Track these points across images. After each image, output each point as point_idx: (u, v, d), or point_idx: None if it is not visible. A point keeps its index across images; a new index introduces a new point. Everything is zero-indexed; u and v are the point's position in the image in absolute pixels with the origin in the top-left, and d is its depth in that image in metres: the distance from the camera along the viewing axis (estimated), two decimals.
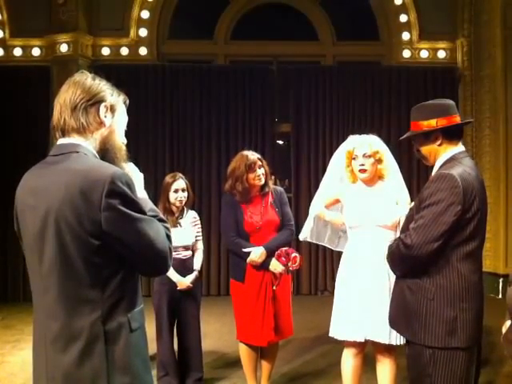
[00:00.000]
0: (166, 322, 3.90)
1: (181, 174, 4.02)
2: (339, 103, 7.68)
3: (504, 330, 2.18)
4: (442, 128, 2.36)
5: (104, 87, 1.72)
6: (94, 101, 1.68)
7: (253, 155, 3.64)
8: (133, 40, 7.69)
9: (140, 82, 7.41)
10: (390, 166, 3.33)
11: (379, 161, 3.25)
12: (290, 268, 3.55)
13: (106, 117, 1.71)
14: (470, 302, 2.29)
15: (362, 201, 3.24)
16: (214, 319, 5.84)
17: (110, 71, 7.41)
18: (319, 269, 7.61)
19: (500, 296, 6.76)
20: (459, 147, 2.41)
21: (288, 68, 7.71)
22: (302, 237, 3.68)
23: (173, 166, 7.31)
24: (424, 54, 7.92)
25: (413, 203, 2.57)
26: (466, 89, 7.74)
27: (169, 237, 1.68)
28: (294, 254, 3.53)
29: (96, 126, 1.69)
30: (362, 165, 3.21)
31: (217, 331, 5.47)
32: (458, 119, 2.43)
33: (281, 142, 8.11)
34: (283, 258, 3.50)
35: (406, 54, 7.91)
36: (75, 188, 1.54)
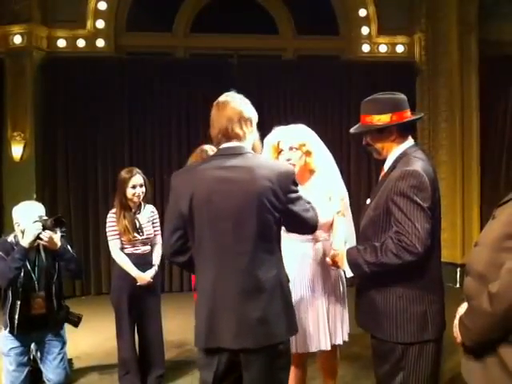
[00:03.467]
0: (127, 318, 3.83)
1: (138, 169, 3.93)
2: (300, 96, 7.69)
3: (458, 315, 2.20)
4: (396, 124, 2.35)
5: (251, 105, 2.34)
6: (249, 116, 2.29)
7: (212, 150, 3.59)
8: (90, 32, 7.49)
9: (97, 74, 7.23)
10: (321, 157, 3.02)
11: (307, 153, 2.95)
12: None
13: (254, 127, 2.32)
14: (437, 295, 2.33)
15: None
16: (177, 315, 5.78)
17: (67, 64, 7.23)
18: None
19: (458, 285, 6.94)
20: (410, 141, 2.41)
21: (249, 61, 7.66)
22: None
23: (132, 160, 7.18)
24: (383, 48, 8.02)
25: (368, 200, 2.50)
26: (423, 83, 7.87)
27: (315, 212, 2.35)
28: None
29: (250, 135, 2.29)
30: (289, 159, 2.89)
31: (179, 327, 5.41)
32: (409, 114, 2.41)
33: None
34: None
35: (365, 48, 8.00)
36: (270, 178, 2.15)
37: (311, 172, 3.01)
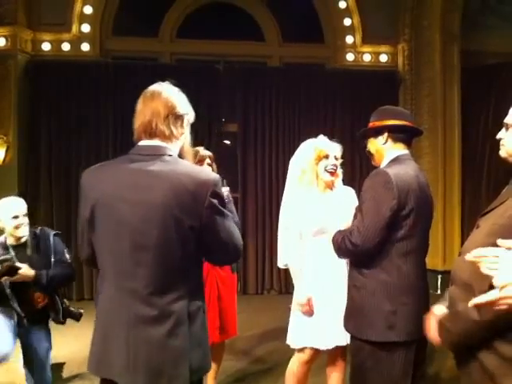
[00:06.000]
0: None
1: None
2: (285, 104, 7.74)
3: (433, 317, 2.23)
4: (388, 126, 2.49)
5: (186, 101, 1.97)
6: (181, 113, 1.93)
7: (204, 151, 3.61)
8: (75, 36, 7.47)
9: (82, 78, 7.20)
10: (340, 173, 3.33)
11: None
12: None
13: (186, 128, 1.97)
14: (409, 297, 2.37)
15: (324, 207, 3.12)
16: None
17: (51, 67, 7.18)
18: (265, 268, 7.65)
19: (439, 292, 7.02)
20: (404, 150, 2.51)
21: (235, 68, 7.69)
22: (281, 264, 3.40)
23: None
24: (367, 57, 8.10)
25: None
26: (406, 92, 7.97)
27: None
28: None
29: (179, 135, 1.93)
30: (334, 165, 3.14)
31: None
32: (405, 123, 2.52)
33: (228, 142, 8.09)
34: None
35: (350, 57, 8.07)
36: (183, 187, 1.79)
37: (334, 183, 3.25)
